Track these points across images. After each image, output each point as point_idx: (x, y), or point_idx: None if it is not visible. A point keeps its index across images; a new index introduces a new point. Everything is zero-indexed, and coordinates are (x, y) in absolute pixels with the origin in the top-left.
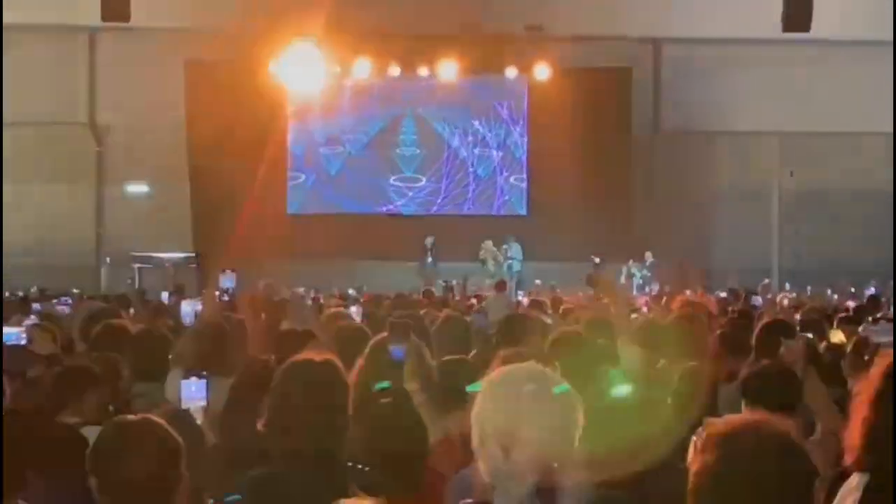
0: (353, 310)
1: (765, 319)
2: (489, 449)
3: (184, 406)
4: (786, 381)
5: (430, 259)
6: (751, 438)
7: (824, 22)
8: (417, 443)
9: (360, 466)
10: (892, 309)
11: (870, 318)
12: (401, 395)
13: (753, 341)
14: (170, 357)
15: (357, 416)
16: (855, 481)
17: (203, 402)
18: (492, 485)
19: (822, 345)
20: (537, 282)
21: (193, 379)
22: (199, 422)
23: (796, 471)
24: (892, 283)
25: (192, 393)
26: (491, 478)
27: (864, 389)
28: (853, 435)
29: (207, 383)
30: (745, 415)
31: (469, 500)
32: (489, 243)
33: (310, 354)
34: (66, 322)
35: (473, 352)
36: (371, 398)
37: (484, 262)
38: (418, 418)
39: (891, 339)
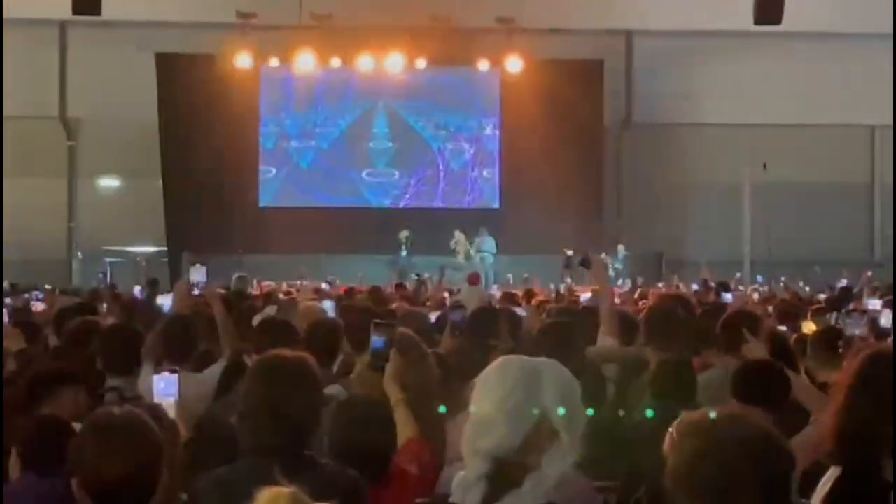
0: (327, 304)
1: (728, 313)
2: (466, 429)
3: (155, 401)
4: (774, 377)
5: (404, 252)
6: (725, 431)
7: (795, 14)
8: (385, 439)
9: (329, 462)
10: (865, 300)
11: (842, 310)
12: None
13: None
14: (142, 351)
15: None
16: (830, 474)
17: (174, 398)
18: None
19: (794, 336)
20: (508, 275)
21: (165, 374)
22: (171, 414)
23: (772, 461)
24: (866, 274)
25: (163, 388)
26: (463, 456)
27: (839, 382)
28: (827, 428)
29: (179, 378)
30: (719, 408)
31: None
32: (461, 235)
33: (282, 351)
34: (40, 318)
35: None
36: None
37: (454, 252)
38: (388, 416)
39: (863, 330)
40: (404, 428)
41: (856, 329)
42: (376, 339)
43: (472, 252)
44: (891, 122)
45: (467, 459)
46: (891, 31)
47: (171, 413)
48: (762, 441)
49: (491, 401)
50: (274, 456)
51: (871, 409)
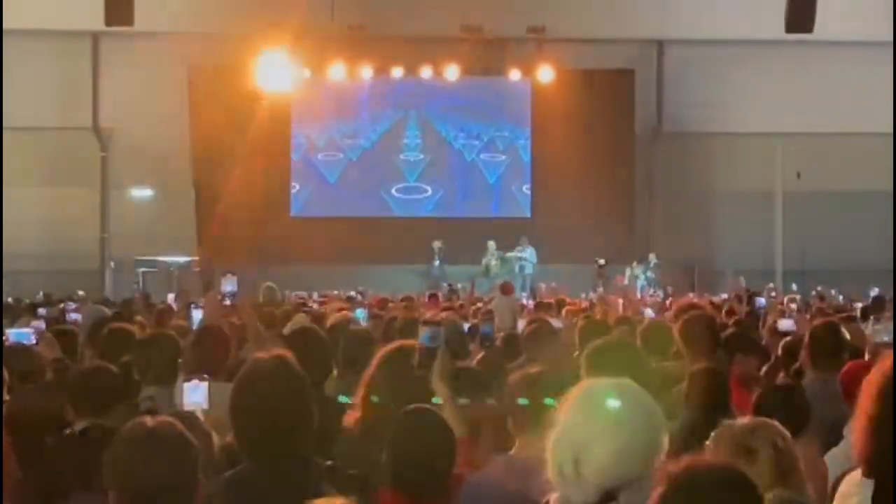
0: (359, 312)
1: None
2: (561, 456)
3: (186, 409)
4: (795, 401)
5: (437, 262)
6: (700, 474)
7: (828, 23)
8: (448, 455)
9: (327, 463)
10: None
11: (873, 318)
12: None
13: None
14: (179, 361)
15: (374, 434)
16: (857, 478)
17: (205, 405)
18: (555, 491)
19: None
20: (541, 284)
21: (195, 382)
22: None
23: None
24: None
25: (193, 396)
26: (556, 484)
27: (863, 394)
28: (856, 441)
29: (208, 386)
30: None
31: None
32: (492, 244)
33: (262, 354)
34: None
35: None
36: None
37: (487, 267)
38: (449, 429)
39: (891, 337)
40: (452, 426)
41: (885, 336)
42: (424, 336)
43: (501, 264)
44: None
45: (564, 485)
46: None
47: (202, 419)
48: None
49: (608, 436)
50: (271, 460)
51: None
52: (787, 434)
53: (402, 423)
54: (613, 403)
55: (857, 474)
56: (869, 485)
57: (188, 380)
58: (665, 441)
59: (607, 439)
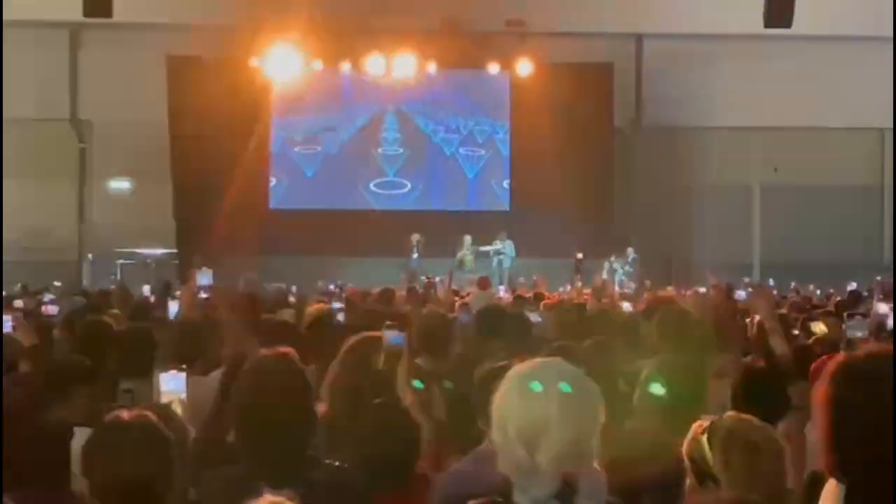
0: (336, 306)
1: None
2: (512, 447)
3: (164, 400)
4: (776, 385)
5: (416, 255)
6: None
7: (806, 18)
8: (413, 445)
9: (336, 463)
10: (875, 305)
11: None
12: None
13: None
14: (155, 354)
15: (346, 421)
16: (832, 488)
17: (183, 395)
18: (511, 482)
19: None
20: (521, 279)
21: (173, 372)
22: (179, 414)
23: None
24: (875, 280)
25: (171, 386)
26: (513, 476)
27: (816, 392)
28: (820, 441)
29: (186, 377)
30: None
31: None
32: (468, 238)
33: (268, 351)
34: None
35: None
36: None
37: (462, 261)
38: (413, 422)
39: (865, 333)
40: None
41: (857, 332)
42: (393, 336)
43: (476, 258)
44: None
45: (522, 476)
46: None
47: (179, 411)
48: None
49: (565, 418)
50: (272, 459)
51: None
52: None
53: (370, 416)
54: (560, 386)
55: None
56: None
57: (166, 371)
58: (601, 418)
59: (563, 422)
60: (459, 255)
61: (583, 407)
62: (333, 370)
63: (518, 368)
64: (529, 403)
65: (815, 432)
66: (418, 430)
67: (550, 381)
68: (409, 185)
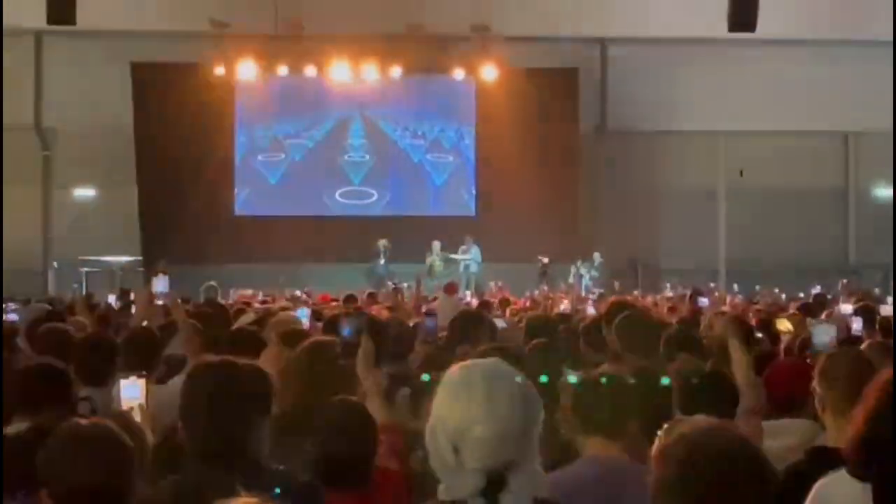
0: (301, 312)
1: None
2: (441, 447)
3: (124, 406)
4: (722, 388)
5: (382, 261)
6: (715, 444)
7: (770, 22)
8: (369, 443)
9: (280, 467)
10: (839, 307)
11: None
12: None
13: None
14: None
15: (302, 421)
16: (846, 487)
17: (141, 401)
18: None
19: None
20: (491, 283)
21: (132, 379)
22: (137, 420)
23: (760, 478)
24: (840, 282)
25: (129, 393)
26: (440, 475)
27: (863, 402)
28: (852, 444)
29: (145, 383)
30: (702, 419)
31: None
32: (437, 244)
33: (225, 357)
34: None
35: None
36: (317, 402)
37: (431, 267)
38: (369, 418)
39: (833, 338)
40: (377, 414)
41: (825, 338)
42: (345, 328)
43: (445, 265)
44: (864, 128)
45: (448, 474)
46: (863, 37)
47: (138, 417)
48: (751, 455)
49: (486, 416)
50: (217, 461)
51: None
52: None
53: (321, 414)
54: (486, 384)
55: (839, 477)
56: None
57: (125, 377)
58: (541, 418)
59: (484, 420)
60: (429, 260)
61: (511, 406)
62: (286, 370)
63: (451, 369)
64: (454, 403)
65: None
66: (373, 425)
67: (475, 380)
68: (375, 195)
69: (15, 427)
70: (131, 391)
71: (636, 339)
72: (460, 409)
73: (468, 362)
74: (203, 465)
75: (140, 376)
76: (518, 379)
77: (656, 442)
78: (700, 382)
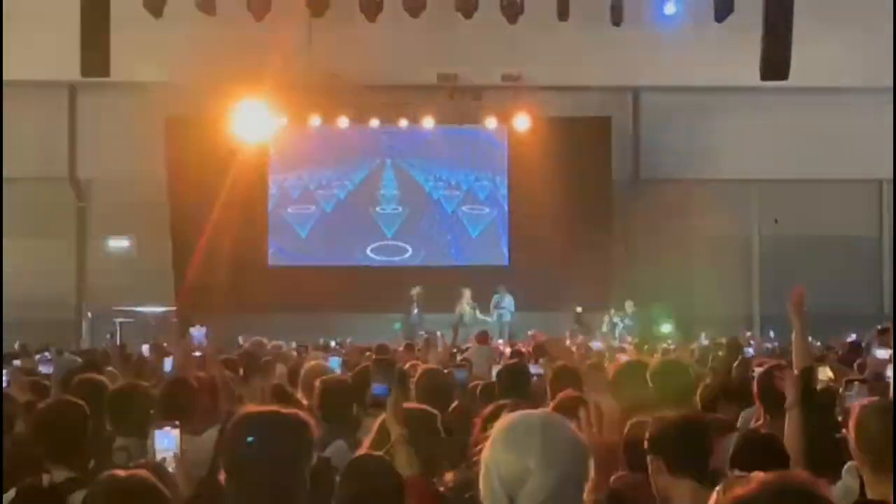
0: (333, 361)
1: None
2: (495, 495)
3: (158, 456)
4: (773, 450)
5: (415, 311)
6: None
7: (802, 70)
8: (394, 496)
9: None
10: (874, 351)
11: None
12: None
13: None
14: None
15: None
16: None
17: (175, 451)
18: None
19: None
20: (529, 332)
21: (167, 429)
22: (171, 470)
23: None
24: (876, 328)
25: (164, 443)
26: None
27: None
28: None
29: (180, 433)
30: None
31: None
32: (467, 291)
33: (274, 406)
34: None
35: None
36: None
37: (461, 315)
38: (394, 471)
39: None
40: (405, 467)
41: (856, 401)
42: (378, 387)
43: (476, 314)
44: None
45: None
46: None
47: (172, 467)
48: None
49: (544, 466)
50: None
51: None
52: None
53: (349, 468)
54: (542, 435)
55: None
56: None
57: (159, 427)
58: (592, 469)
59: (540, 473)
60: (458, 309)
61: (565, 457)
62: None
63: (503, 419)
64: (510, 454)
65: None
66: (399, 479)
67: (532, 430)
68: (410, 250)
69: (53, 477)
70: (166, 441)
71: (670, 389)
72: (516, 459)
73: (523, 412)
74: None
75: (174, 426)
76: (572, 429)
77: (714, 497)
78: (755, 439)
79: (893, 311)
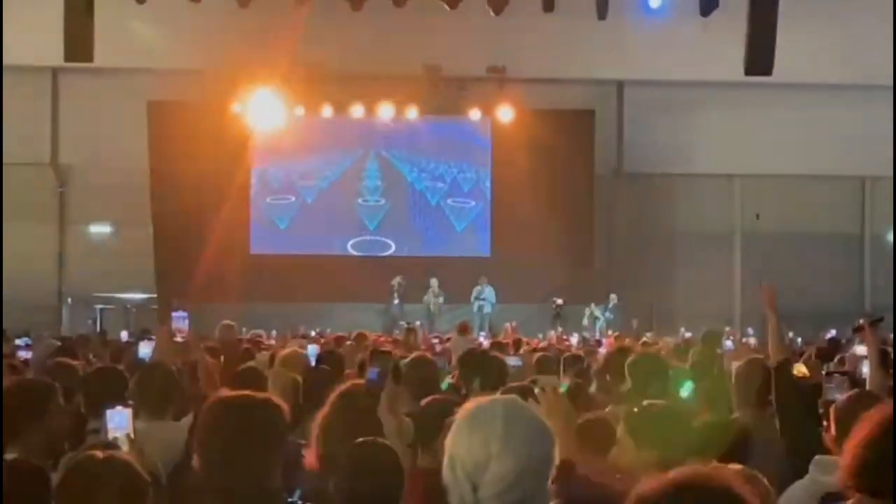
0: (310, 349)
1: None
2: (458, 482)
3: (110, 436)
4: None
5: (396, 301)
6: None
7: (786, 66)
8: (395, 486)
9: (299, 502)
10: (854, 348)
11: (827, 367)
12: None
13: None
14: (125, 395)
15: (329, 464)
16: None
17: (127, 431)
18: None
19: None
20: (506, 324)
21: (119, 408)
22: (124, 449)
23: None
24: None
25: (116, 422)
26: None
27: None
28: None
29: (131, 413)
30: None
31: None
32: (434, 281)
33: (247, 392)
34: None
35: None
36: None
37: (428, 307)
38: (396, 460)
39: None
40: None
41: (837, 394)
42: (372, 371)
43: (440, 303)
44: (881, 173)
45: None
46: (882, 82)
47: (125, 447)
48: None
49: (504, 452)
50: (232, 494)
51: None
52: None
53: (350, 455)
54: (502, 421)
55: None
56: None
57: (111, 406)
58: (556, 454)
59: (503, 459)
60: (426, 299)
61: (529, 442)
62: (322, 416)
63: (467, 405)
64: (472, 439)
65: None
66: (400, 467)
67: (493, 416)
68: (393, 247)
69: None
70: (117, 419)
71: (647, 381)
72: (478, 446)
73: (485, 398)
74: (219, 499)
75: (126, 406)
76: (535, 415)
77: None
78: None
79: (874, 307)
